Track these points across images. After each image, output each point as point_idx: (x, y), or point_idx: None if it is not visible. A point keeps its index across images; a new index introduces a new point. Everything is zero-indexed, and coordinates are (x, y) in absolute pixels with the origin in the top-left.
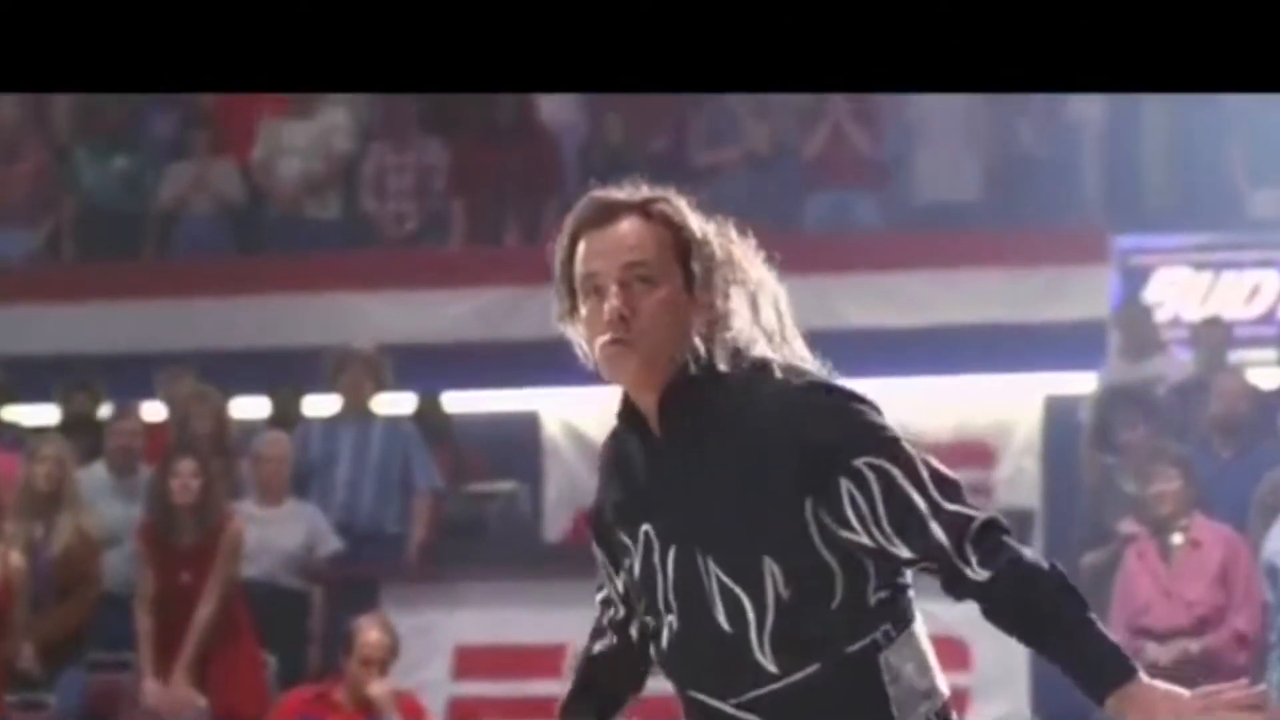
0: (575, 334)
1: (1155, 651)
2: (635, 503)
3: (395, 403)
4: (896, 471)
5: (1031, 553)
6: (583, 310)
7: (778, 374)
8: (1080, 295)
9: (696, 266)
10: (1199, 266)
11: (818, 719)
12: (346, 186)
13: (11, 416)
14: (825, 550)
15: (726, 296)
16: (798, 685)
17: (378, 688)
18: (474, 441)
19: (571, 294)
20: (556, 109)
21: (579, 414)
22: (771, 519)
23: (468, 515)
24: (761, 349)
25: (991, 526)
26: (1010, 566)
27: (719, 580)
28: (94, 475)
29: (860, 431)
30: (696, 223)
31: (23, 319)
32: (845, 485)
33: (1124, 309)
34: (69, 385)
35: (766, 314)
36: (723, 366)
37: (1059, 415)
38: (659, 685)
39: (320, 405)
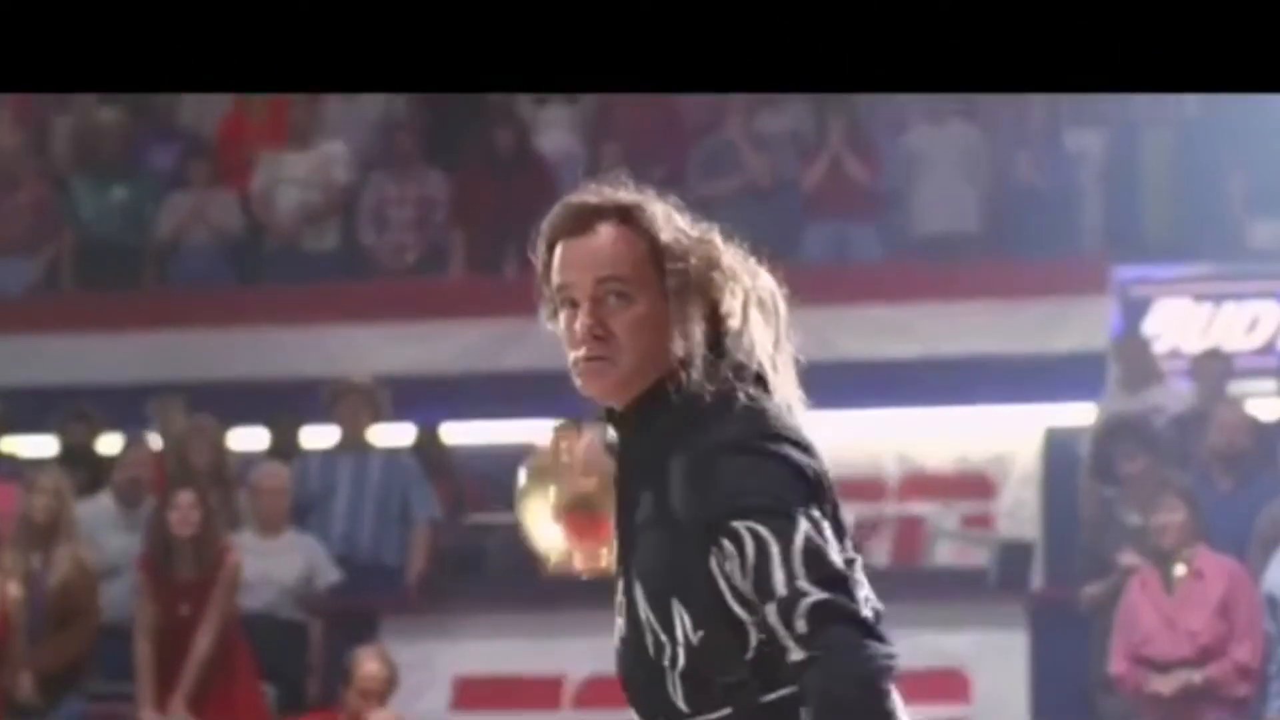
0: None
1: (1157, 682)
2: (617, 494)
3: (394, 434)
4: (770, 539)
5: (859, 652)
6: (560, 319)
7: (735, 408)
8: (1080, 326)
9: (672, 281)
10: (1199, 297)
11: None
12: (345, 217)
13: (9, 447)
14: (735, 603)
15: (706, 312)
16: None
17: (377, 719)
18: (473, 473)
19: (553, 298)
20: (556, 139)
21: None
22: (682, 564)
23: (467, 547)
24: (741, 369)
25: (827, 609)
26: (824, 655)
27: (644, 608)
28: (100, 506)
29: (751, 493)
30: (675, 231)
31: (21, 349)
32: (726, 545)
33: (1123, 340)
34: (67, 416)
35: (755, 332)
36: (686, 391)
37: (1059, 446)
38: None
39: (319, 436)
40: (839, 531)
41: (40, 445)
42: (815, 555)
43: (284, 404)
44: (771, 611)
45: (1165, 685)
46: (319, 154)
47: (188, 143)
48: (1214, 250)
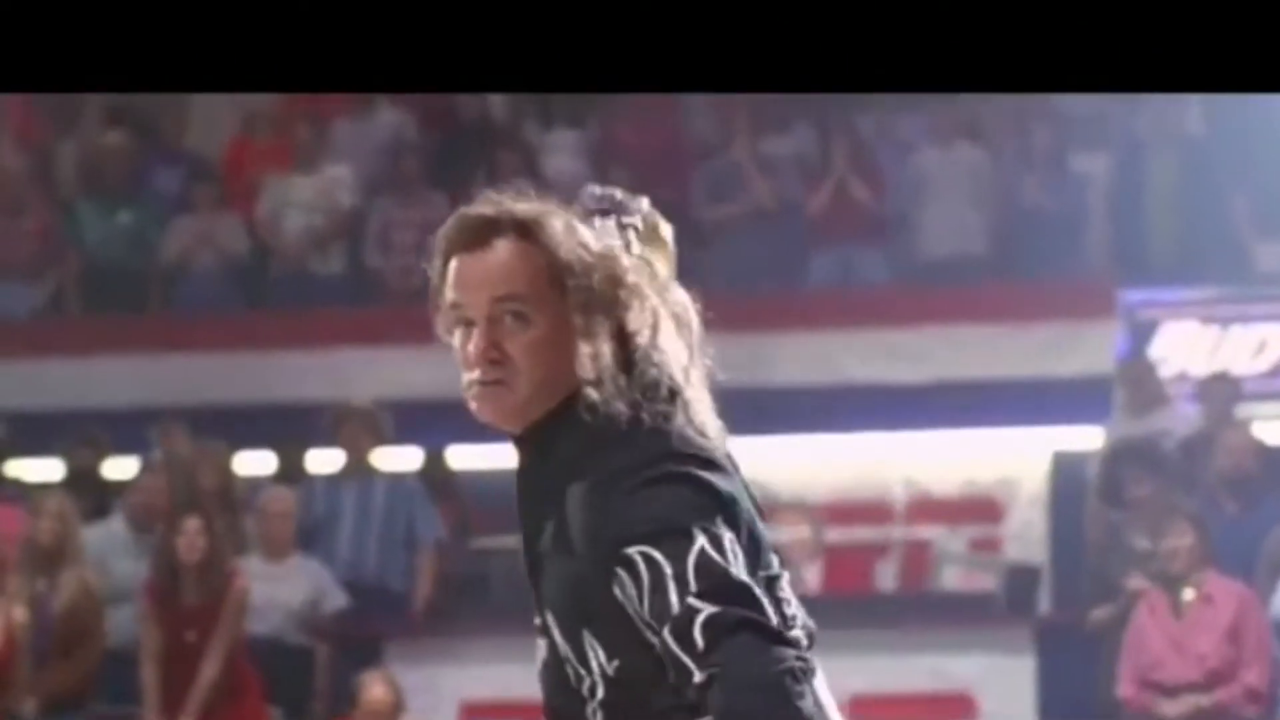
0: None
1: (1165, 706)
2: (521, 521)
3: (400, 457)
4: (663, 561)
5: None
6: (455, 337)
7: (639, 432)
8: (1086, 349)
9: (575, 299)
10: (1206, 320)
11: None
12: (351, 241)
13: (15, 471)
14: (646, 631)
15: (613, 330)
16: None
17: None
18: (479, 497)
19: (447, 314)
20: (561, 163)
21: None
22: (587, 595)
23: (473, 570)
24: (654, 388)
25: (722, 621)
26: (722, 669)
27: (559, 639)
28: (109, 531)
29: (645, 519)
30: (577, 247)
31: (27, 374)
32: (621, 574)
33: (1130, 363)
34: (73, 440)
35: (667, 348)
36: (598, 413)
37: (1066, 470)
38: None
39: (325, 460)
40: (755, 547)
41: (46, 469)
42: (709, 569)
43: (290, 428)
44: (668, 633)
45: (1174, 709)
46: (324, 178)
47: (193, 166)
48: (1220, 272)
